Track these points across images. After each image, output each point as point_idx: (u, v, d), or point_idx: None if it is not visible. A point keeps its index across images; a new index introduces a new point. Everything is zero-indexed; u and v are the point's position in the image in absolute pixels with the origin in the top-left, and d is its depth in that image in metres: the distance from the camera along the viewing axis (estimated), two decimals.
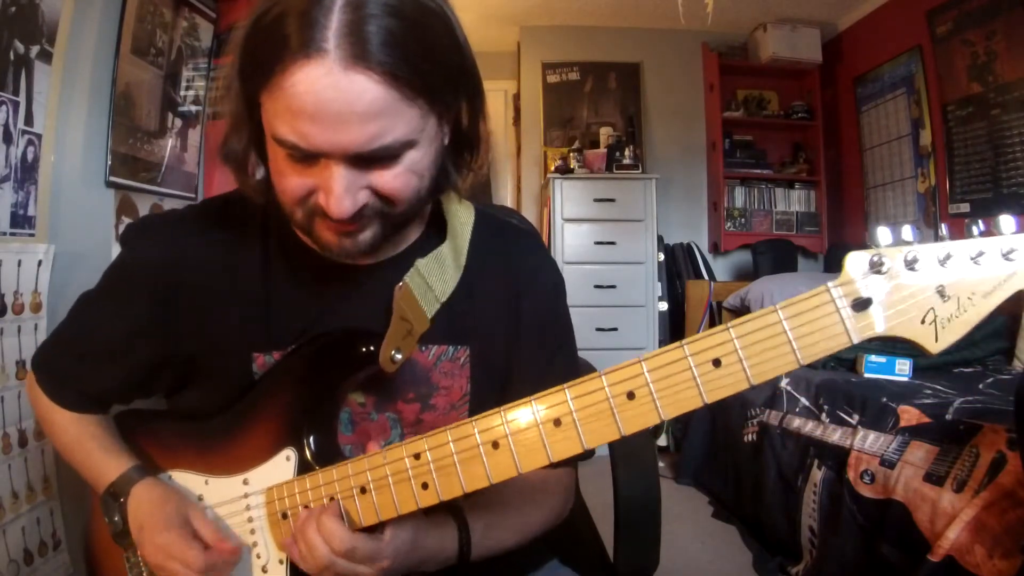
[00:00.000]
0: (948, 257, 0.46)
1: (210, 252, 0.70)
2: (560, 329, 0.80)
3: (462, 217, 0.76)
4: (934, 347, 0.47)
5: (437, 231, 0.75)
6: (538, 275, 0.79)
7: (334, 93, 0.52)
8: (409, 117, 0.55)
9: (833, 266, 3.31)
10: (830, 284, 0.48)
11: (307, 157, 0.56)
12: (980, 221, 0.46)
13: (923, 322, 0.47)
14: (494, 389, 0.75)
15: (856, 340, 0.48)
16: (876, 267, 0.47)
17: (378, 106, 0.53)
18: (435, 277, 0.70)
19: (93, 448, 0.73)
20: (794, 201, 3.64)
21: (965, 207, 2.75)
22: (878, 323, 0.47)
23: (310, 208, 0.60)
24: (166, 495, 0.69)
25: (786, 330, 0.48)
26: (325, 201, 0.57)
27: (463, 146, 0.67)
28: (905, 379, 2.05)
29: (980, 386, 1.90)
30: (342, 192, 0.56)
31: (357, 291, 0.71)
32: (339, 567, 0.58)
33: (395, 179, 0.58)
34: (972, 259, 0.46)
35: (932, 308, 0.47)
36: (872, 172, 3.37)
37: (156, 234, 0.73)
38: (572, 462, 0.80)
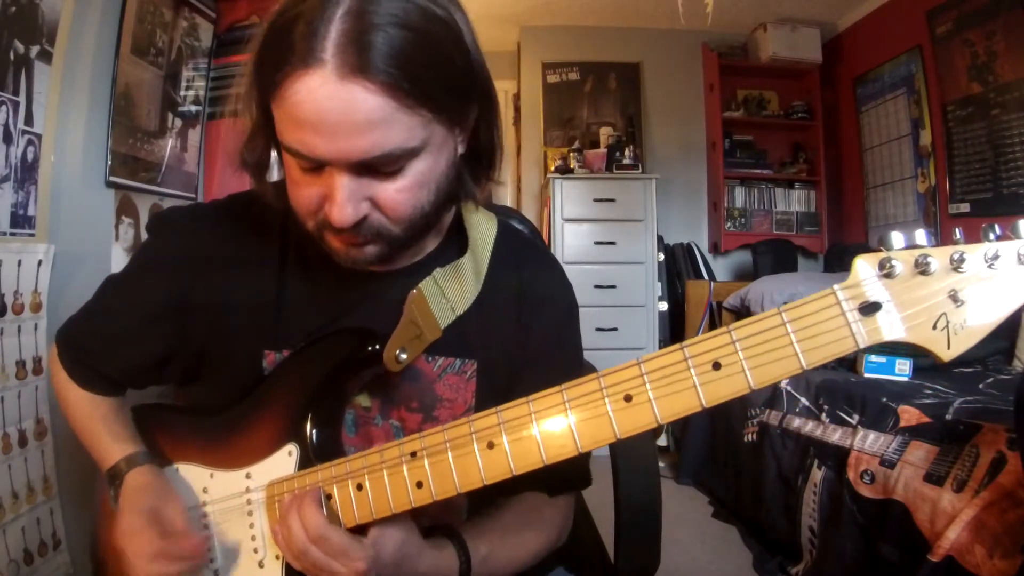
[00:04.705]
0: (962, 260, 0.44)
1: (230, 248, 0.72)
2: (570, 354, 0.80)
3: (483, 229, 0.76)
4: (946, 354, 0.45)
5: (457, 241, 0.75)
6: (552, 297, 0.78)
7: (332, 103, 0.52)
8: (410, 125, 0.55)
9: (833, 266, 3.31)
10: (836, 287, 0.46)
11: (315, 166, 0.57)
12: (996, 225, 0.45)
13: (935, 328, 0.45)
14: (498, 405, 0.75)
15: (863, 345, 0.46)
16: (886, 270, 0.45)
17: (377, 115, 0.53)
18: (452, 288, 0.70)
19: (101, 430, 0.74)
20: (794, 201, 3.63)
21: (965, 207, 2.75)
22: (887, 328, 0.46)
23: (321, 219, 0.60)
24: (150, 484, 0.69)
25: (789, 332, 0.46)
26: (328, 209, 0.58)
27: (479, 155, 0.67)
28: (905, 379, 2.05)
29: (980, 386, 1.90)
30: (343, 200, 0.57)
31: (371, 297, 0.71)
32: (313, 555, 0.58)
33: (397, 193, 0.59)
34: (987, 263, 0.44)
35: (944, 313, 0.45)
36: (872, 172, 3.37)
37: (180, 226, 0.75)
38: (571, 489, 0.81)
